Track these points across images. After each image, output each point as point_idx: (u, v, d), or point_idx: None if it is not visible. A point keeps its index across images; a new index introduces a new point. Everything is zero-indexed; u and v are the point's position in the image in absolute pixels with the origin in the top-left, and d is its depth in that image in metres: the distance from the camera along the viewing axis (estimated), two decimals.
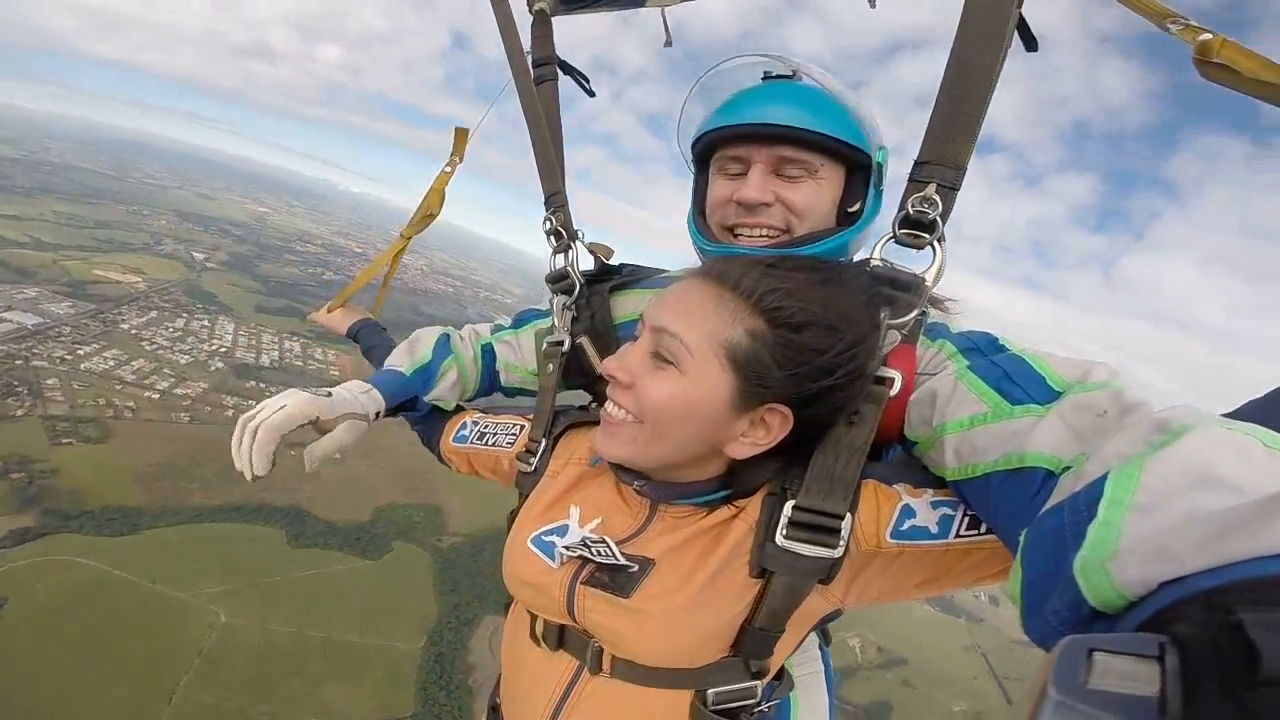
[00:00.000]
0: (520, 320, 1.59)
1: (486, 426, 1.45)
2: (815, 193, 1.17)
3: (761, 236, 1.19)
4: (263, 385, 72.53)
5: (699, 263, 1.23)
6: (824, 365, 0.86)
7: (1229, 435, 0.53)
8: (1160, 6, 1.02)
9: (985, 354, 0.94)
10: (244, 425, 1.16)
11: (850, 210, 1.21)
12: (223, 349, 78.55)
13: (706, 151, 1.28)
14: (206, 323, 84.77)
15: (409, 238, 1.93)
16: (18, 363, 59.68)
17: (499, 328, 1.60)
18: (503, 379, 1.56)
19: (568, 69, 1.64)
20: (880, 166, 1.19)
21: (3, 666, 32.02)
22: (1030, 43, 1.16)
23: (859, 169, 1.20)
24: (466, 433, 1.48)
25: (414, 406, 1.48)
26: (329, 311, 2.01)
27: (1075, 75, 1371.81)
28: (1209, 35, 0.96)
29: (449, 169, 1.91)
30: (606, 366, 0.96)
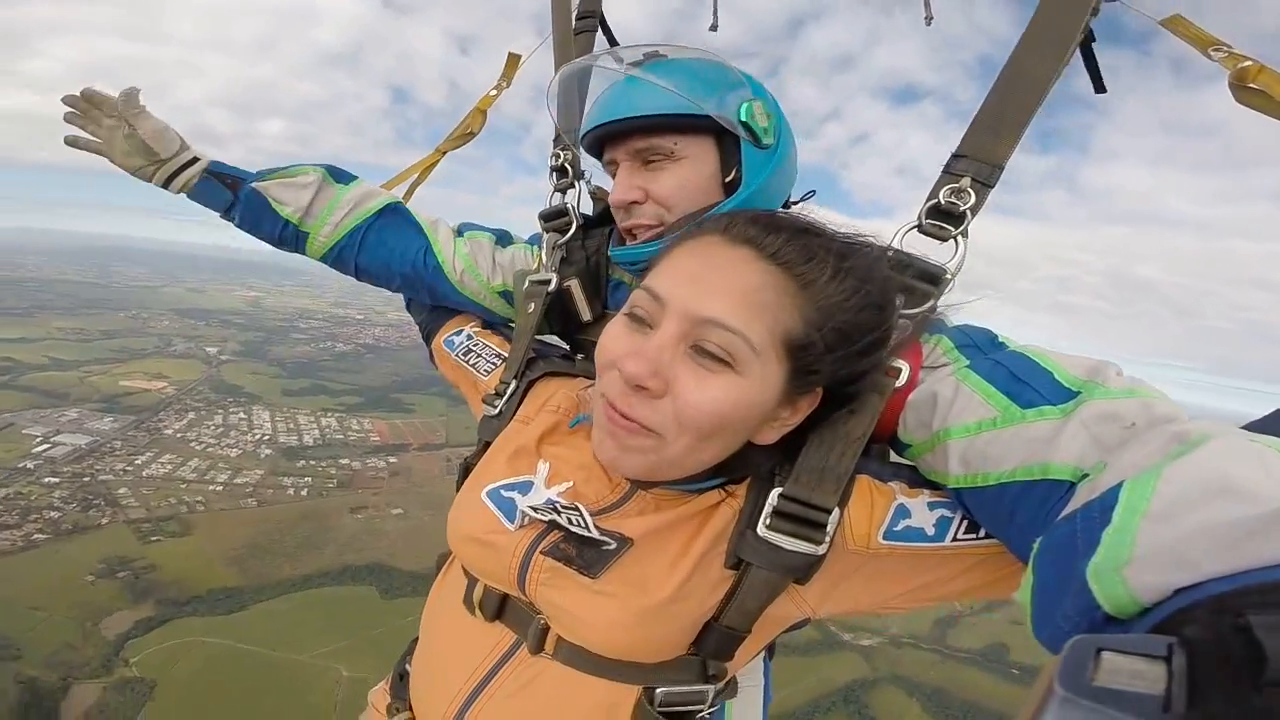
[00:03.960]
0: (503, 235, 1.50)
1: (475, 343, 1.40)
2: (678, 176, 1.14)
3: (646, 234, 1.18)
4: (313, 462, 76.54)
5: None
6: (871, 343, 0.81)
7: (1247, 445, 0.54)
8: (1205, 35, 1.08)
9: (985, 352, 0.89)
10: None
11: (728, 180, 1.17)
12: (265, 436, 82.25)
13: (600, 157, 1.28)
14: (242, 415, 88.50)
15: (444, 152, 1.87)
16: (86, 479, 63.81)
17: (469, 225, 1.51)
18: (455, 276, 1.41)
19: (606, 29, 1.63)
20: (748, 125, 1.12)
21: None
22: (1099, 85, 1.17)
23: (731, 135, 1.14)
24: (456, 340, 1.44)
25: (235, 190, 1.44)
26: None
27: (957, 14, 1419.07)
28: (1249, 62, 1.01)
29: (494, 91, 1.86)
30: (624, 367, 0.79)
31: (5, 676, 36.64)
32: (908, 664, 51.14)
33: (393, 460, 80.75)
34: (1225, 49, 1.06)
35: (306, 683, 41.03)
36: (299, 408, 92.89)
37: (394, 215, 1.51)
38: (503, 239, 1.49)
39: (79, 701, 36.19)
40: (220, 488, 66.91)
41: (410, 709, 1.12)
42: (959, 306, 0.97)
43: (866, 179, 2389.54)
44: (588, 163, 1.41)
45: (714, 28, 1.79)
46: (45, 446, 68.40)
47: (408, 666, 1.20)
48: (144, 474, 66.89)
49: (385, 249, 1.49)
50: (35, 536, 51.35)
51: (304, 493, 68.92)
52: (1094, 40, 1.08)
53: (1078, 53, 1.06)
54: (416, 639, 1.20)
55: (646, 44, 1.21)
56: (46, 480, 61.34)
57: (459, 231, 1.47)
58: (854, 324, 0.80)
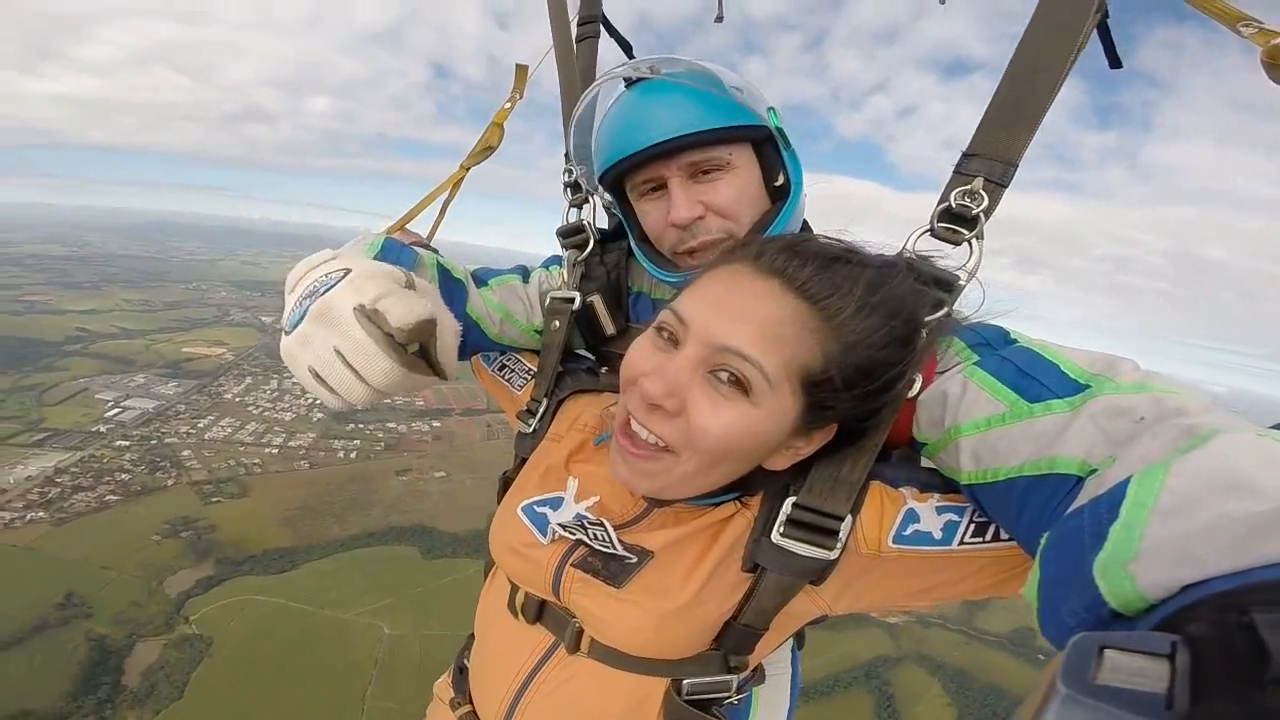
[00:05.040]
0: (524, 271, 1.46)
1: (509, 358, 1.42)
2: (738, 184, 1.13)
3: (712, 253, 1.13)
4: (361, 425, 79.02)
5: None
6: (891, 378, 0.80)
7: (1258, 441, 0.52)
8: (1233, 10, 1.02)
9: (995, 348, 0.88)
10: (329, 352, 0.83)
11: (777, 184, 1.18)
12: (317, 400, 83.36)
13: (615, 182, 1.24)
14: (296, 380, 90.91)
15: (468, 168, 1.93)
16: (153, 442, 67.58)
17: (489, 271, 1.42)
18: (494, 330, 1.33)
19: (613, 31, 1.60)
20: (780, 129, 1.15)
21: (221, 696, 37.79)
22: (1114, 60, 1.12)
23: (762, 141, 1.16)
24: (492, 354, 1.45)
25: None
26: (386, 234, 1.91)
27: None
28: None
29: (509, 104, 1.91)
30: (642, 385, 0.81)
31: (77, 634, 39.62)
32: (933, 643, 50.91)
33: (436, 424, 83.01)
34: (1255, 24, 0.98)
35: (351, 641, 43.11)
36: None
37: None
38: (524, 275, 1.45)
39: (142, 658, 38.88)
40: (275, 450, 70.14)
41: (470, 702, 1.22)
42: (991, 315, 0.93)
43: (914, 152, 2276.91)
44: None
45: (719, 19, 1.78)
46: (116, 411, 72.60)
47: (466, 661, 1.31)
48: (206, 437, 70.48)
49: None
50: (108, 498, 55.00)
51: (353, 455, 71.70)
52: (1108, 15, 1.01)
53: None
54: (472, 635, 1.30)
55: (641, 60, 1.19)
56: (118, 443, 65.35)
57: (479, 280, 1.38)
58: (876, 361, 0.79)
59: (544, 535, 1.03)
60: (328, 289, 0.86)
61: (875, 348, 0.78)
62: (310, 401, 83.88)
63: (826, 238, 0.90)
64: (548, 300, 1.34)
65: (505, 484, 1.26)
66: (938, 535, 0.87)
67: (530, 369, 1.38)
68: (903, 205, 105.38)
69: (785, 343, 0.77)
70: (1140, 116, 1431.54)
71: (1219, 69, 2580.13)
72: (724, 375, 0.78)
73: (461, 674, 1.31)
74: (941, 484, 0.90)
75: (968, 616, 55.10)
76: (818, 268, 0.79)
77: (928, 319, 0.88)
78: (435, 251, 1.85)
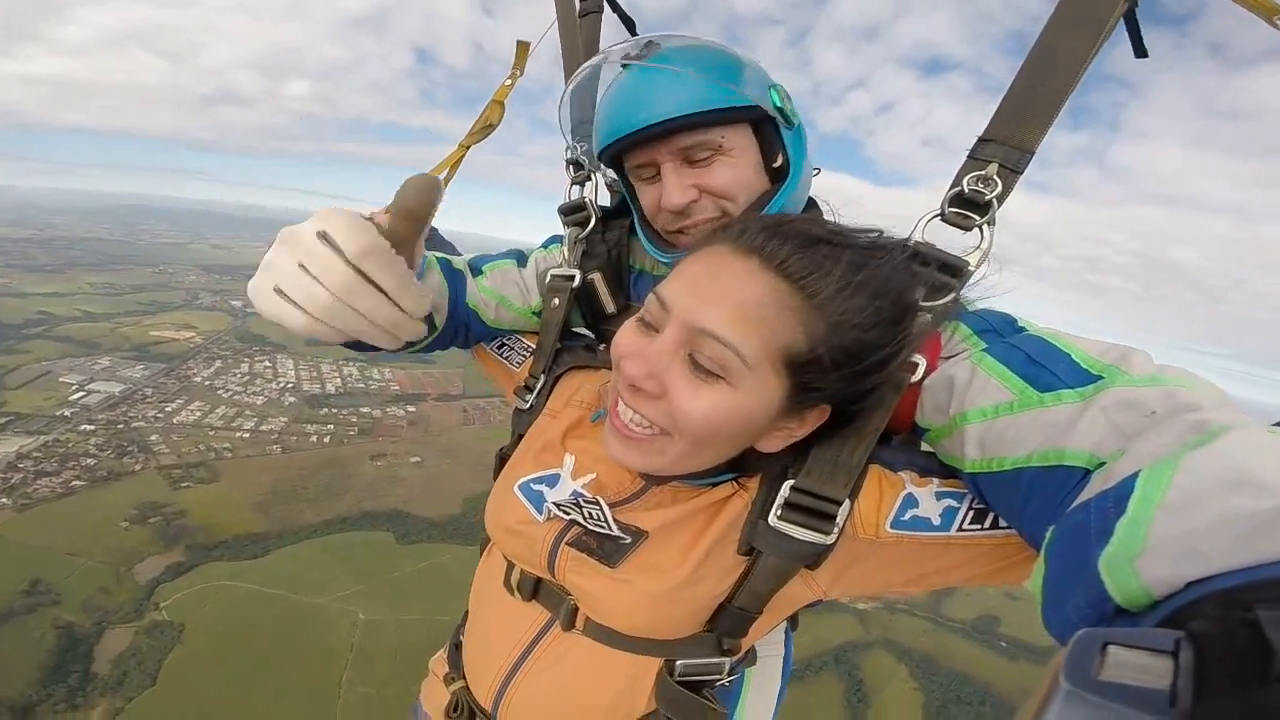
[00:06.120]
0: (519, 255, 1.45)
1: (508, 337, 1.43)
2: (732, 167, 1.11)
3: (704, 231, 1.13)
4: (335, 410, 77.92)
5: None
6: (881, 359, 0.78)
7: (1266, 438, 0.52)
8: (1270, 3, 0.99)
9: (1003, 335, 0.87)
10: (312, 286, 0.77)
11: (776, 165, 1.15)
12: (290, 384, 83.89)
13: (615, 160, 1.21)
14: (268, 364, 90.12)
15: (468, 147, 1.89)
16: (119, 426, 65.87)
17: (483, 258, 1.41)
18: (490, 315, 1.34)
19: (615, 6, 1.60)
20: (780, 109, 1.11)
21: (195, 682, 37.30)
22: (1140, 49, 1.09)
23: (763, 120, 1.12)
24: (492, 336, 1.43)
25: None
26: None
27: None
28: None
29: (509, 82, 1.88)
30: (624, 368, 0.82)
31: (44, 622, 38.62)
32: (900, 629, 51.99)
33: (411, 409, 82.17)
34: None
35: (325, 625, 42.75)
36: (322, 356, 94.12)
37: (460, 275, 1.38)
38: (520, 259, 1.44)
39: (112, 645, 38.14)
40: (247, 434, 68.85)
41: (464, 678, 1.22)
42: (988, 295, 0.92)
43: (891, 148, 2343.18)
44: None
45: None
46: (81, 394, 70.47)
47: (461, 638, 1.30)
48: (174, 421, 68.85)
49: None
50: (74, 483, 53.50)
51: (326, 440, 70.62)
52: (1137, 5, 0.98)
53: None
54: (468, 612, 1.30)
55: (640, 37, 1.17)
56: (83, 428, 63.48)
57: (474, 269, 1.37)
58: (862, 342, 0.77)
59: (540, 513, 1.02)
60: None
61: (861, 328, 0.76)
62: (282, 385, 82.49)
63: (815, 219, 0.87)
64: (548, 278, 1.34)
65: (502, 460, 1.25)
66: (936, 521, 0.86)
67: (529, 347, 1.38)
68: (881, 201, 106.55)
69: (764, 323, 0.75)
70: (1109, 117, 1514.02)
71: (1186, 70, 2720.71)
72: (702, 358, 0.78)
73: (457, 650, 1.31)
74: (941, 469, 0.89)
75: (934, 604, 56.24)
76: (797, 246, 0.78)
77: (928, 303, 0.87)
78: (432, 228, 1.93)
